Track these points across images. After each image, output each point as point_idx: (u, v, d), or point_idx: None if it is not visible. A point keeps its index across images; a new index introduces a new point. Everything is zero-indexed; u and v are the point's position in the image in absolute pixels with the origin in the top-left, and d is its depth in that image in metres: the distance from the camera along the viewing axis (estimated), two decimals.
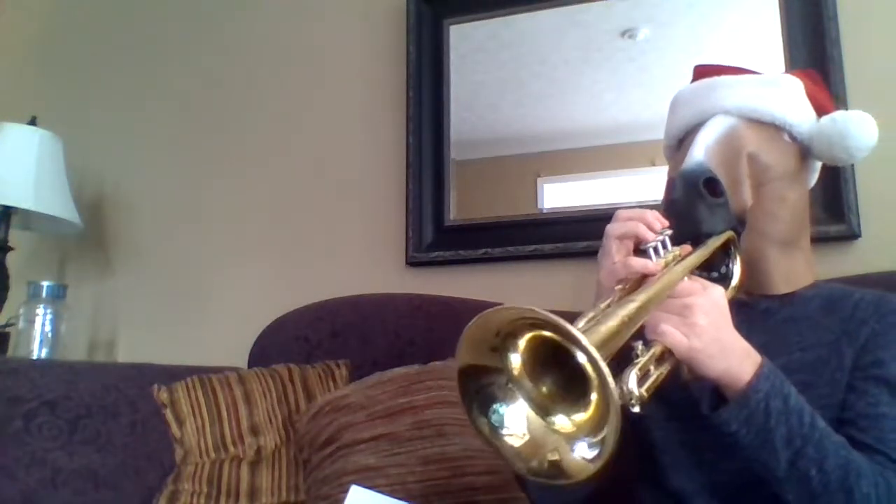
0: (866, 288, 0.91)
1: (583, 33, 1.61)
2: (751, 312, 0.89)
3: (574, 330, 0.52)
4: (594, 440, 0.56)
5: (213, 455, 1.31)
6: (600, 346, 0.55)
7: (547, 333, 0.57)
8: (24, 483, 1.15)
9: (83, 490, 1.21)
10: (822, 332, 0.86)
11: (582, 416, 0.58)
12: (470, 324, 0.57)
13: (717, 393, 0.73)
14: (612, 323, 0.59)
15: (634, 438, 0.91)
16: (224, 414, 1.34)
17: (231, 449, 1.32)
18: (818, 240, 0.98)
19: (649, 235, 0.78)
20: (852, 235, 1.35)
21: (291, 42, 1.90)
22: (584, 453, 0.57)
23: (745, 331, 0.83)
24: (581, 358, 0.53)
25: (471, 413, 0.60)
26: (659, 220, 0.79)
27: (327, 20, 1.87)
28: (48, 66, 2.14)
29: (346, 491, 0.78)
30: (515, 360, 0.60)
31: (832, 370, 0.82)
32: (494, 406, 0.60)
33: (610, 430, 0.54)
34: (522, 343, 0.59)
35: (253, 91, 1.90)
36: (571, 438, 0.59)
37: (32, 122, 1.78)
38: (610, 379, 0.51)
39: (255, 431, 1.34)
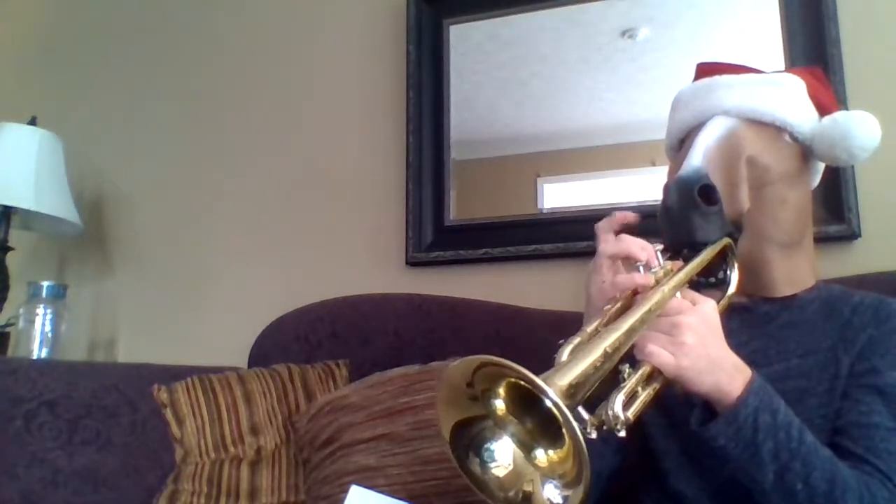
0: (866, 289, 0.91)
1: (582, 33, 1.61)
2: (750, 316, 0.89)
3: (538, 380, 0.53)
4: (565, 492, 0.58)
5: (213, 455, 1.31)
6: (574, 388, 0.56)
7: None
8: (24, 483, 1.15)
9: (83, 490, 1.21)
10: (821, 338, 0.85)
11: (558, 454, 0.60)
12: (438, 389, 0.60)
13: (707, 407, 0.73)
14: (591, 358, 0.60)
15: (637, 443, 0.91)
16: (224, 414, 1.34)
17: (231, 449, 1.32)
18: (818, 240, 0.97)
19: (642, 255, 0.77)
20: (852, 235, 1.35)
21: (291, 42, 1.89)
22: (552, 496, 0.59)
23: (745, 335, 0.82)
24: (548, 403, 0.54)
25: (462, 461, 0.62)
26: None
27: (327, 20, 1.87)
28: (48, 66, 2.14)
29: (346, 491, 0.78)
30: (499, 404, 0.61)
31: (830, 378, 0.82)
32: (486, 445, 0.62)
33: (577, 494, 0.55)
34: (502, 386, 0.60)
35: (253, 91, 1.90)
36: (546, 475, 0.60)
37: (32, 122, 1.78)
38: (579, 433, 0.52)
39: (255, 431, 1.34)
